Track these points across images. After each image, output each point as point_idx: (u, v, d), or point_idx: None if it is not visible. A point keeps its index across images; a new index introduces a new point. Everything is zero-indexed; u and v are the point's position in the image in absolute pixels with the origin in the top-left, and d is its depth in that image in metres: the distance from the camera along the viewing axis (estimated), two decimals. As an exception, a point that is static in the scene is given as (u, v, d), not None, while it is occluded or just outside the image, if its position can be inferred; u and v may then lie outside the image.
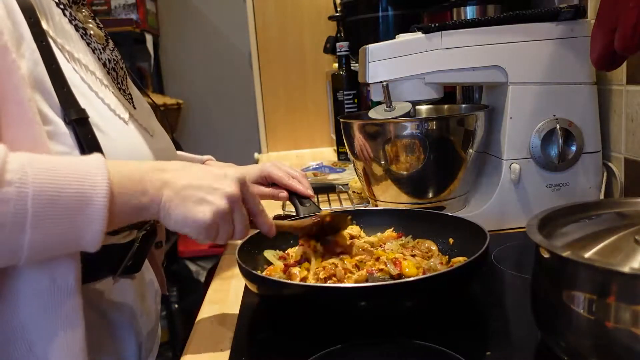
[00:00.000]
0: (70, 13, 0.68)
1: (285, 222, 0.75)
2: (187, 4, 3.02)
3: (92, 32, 0.72)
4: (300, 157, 2.12)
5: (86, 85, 0.65)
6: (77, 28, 0.68)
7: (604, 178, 0.98)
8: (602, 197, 0.97)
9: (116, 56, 0.76)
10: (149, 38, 2.58)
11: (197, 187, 0.59)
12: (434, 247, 0.79)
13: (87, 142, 0.61)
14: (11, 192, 0.49)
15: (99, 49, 0.71)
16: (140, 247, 0.72)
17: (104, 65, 0.71)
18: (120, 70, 0.75)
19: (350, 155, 1.04)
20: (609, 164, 0.98)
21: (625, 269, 0.44)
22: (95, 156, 0.56)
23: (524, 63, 0.93)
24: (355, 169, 1.06)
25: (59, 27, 0.65)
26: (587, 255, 0.49)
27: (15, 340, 0.58)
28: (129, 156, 0.66)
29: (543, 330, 0.55)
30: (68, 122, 0.60)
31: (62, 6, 0.67)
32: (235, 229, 0.61)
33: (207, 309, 0.76)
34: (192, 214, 0.57)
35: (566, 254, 0.48)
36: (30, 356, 0.58)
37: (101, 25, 0.77)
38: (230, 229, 0.60)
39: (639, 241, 0.49)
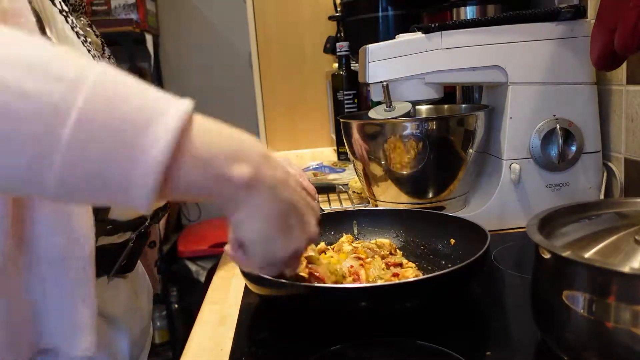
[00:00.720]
0: (72, 20, 0.68)
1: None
2: (187, 4, 3.02)
3: (90, 39, 0.72)
4: (300, 157, 2.12)
5: None
6: (78, 35, 0.68)
7: (604, 178, 0.98)
8: (602, 197, 0.97)
9: (113, 64, 0.75)
10: (149, 38, 2.58)
11: (293, 205, 0.49)
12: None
13: None
14: (61, 87, 0.38)
15: (98, 57, 0.72)
16: (134, 248, 0.72)
17: None
18: None
19: (350, 155, 1.04)
20: (609, 164, 0.98)
21: (625, 269, 0.44)
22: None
23: (524, 63, 0.93)
24: (355, 169, 1.06)
25: (61, 34, 0.65)
26: (587, 255, 0.49)
27: (21, 309, 0.57)
28: None
29: (543, 330, 0.55)
30: None
31: (64, 13, 0.67)
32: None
33: (207, 309, 0.76)
34: (273, 242, 0.48)
35: (566, 254, 0.48)
36: (35, 325, 0.58)
37: (98, 34, 0.77)
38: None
39: (639, 241, 0.49)
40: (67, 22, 0.67)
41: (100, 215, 0.63)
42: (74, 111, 0.38)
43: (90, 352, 0.59)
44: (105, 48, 0.77)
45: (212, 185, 0.43)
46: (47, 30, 0.62)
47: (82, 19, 0.75)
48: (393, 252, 0.80)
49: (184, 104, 0.42)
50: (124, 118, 0.39)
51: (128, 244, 0.71)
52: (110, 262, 0.70)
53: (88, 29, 0.75)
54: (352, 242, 0.82)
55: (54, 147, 0.38)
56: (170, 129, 0.39)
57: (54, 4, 0.65)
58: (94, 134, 0.38)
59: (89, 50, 0.70)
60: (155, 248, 0.89)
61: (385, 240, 0.82)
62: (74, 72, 0.39)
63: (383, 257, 0.78)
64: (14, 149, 0.37)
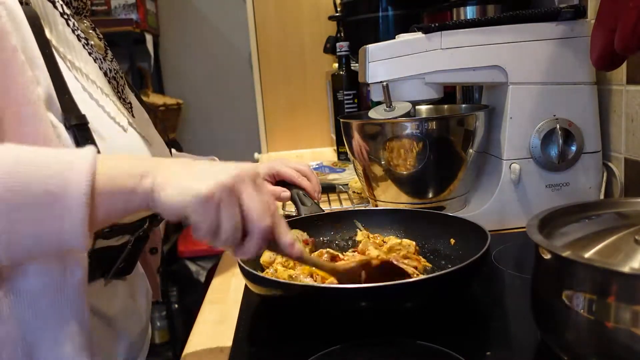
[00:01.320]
0: (74, 23, 0.69)
1: (323, 262, 0.69)
2: (187, 4, 3.02)
3: (92, 42, 0.73)
4: (300, 157, 2.12)
5: (87, 93, 0.66)
6: (79, 38, 0.69)
7: (604, 178, 0.98)
8: (602, 197, 0.97)
9: (116, 66, 0.77)
10: (149, 38, 2.58)
11: (197, 167, 0.53)
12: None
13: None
14: None
15: (100, 59, 0.72)
16: (132, 250, 0.72)
17: (105, 74, 0.72)
18: (120, 79, 0.76)
19: (350, 155, 1.04)
20: (609, 164, 0.98)
21: (625, 269, 0.44)
22: (89, 148, 0.51)
23: (524, 63, 0.93)
24: (355, 169, 1.06)
25: (62, 36, 0.66)
26: (587, 255, 0.49)
27: (15, 340, 0.57)
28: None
29: (543, 330, 0.55)
30: (68, 127, 0.61)
31: (65, 16, 0.67)
32: (248, 216, 0.51)
33: (207, 309, 0.76)
34: (189, 185, 0.50)
35: (566, 254, 0.48)
36: (29, 356, 0.58)
37: (101, 36, 0.78)
38: (237, 216, 0.50)
39: (639, 241, 0.49)
40: (68, 25, 0.67)
41: None
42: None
43: None
44: (108, 51, 0.78)
45: (127, 204, 0.51)
46: (47, 32, 0.63)
47: (85, 22, 0.76)
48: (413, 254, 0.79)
49: (85, 160, 0.49)
50: (38, 197, 0.47)
51: (126, 247, 0.71)
52: (107, 265, 0.70)
53: (91, 31, 0.76)
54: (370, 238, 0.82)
55: None
56: (82, 191, 0.47)
57: (56, 7, 0.66)
58: (19, 216, 0.46)
59: (89, 53, 0.70)
60: (157, 254, 0.89)
61: (410, 241, 0.81)
62: None
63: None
64: None
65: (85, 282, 0.59)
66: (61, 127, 0.60)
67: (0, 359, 0.57)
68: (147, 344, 0.85)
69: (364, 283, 0.67)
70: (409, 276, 0.70)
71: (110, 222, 0.54)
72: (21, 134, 0.56)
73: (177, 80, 2.99)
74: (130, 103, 0.78)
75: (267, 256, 0.79)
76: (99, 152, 0.54)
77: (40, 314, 0.58)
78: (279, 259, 0.77)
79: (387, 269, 0.69)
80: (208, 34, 3.04)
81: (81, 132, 0.61)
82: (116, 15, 2.49)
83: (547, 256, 0.51)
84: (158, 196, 0.50)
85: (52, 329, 0.58)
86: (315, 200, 0.95)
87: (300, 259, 0.58)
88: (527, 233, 0.53)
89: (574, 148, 0.94)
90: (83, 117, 0.62)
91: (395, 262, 0.71)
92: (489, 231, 0.71)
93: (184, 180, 0.50)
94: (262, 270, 0.77)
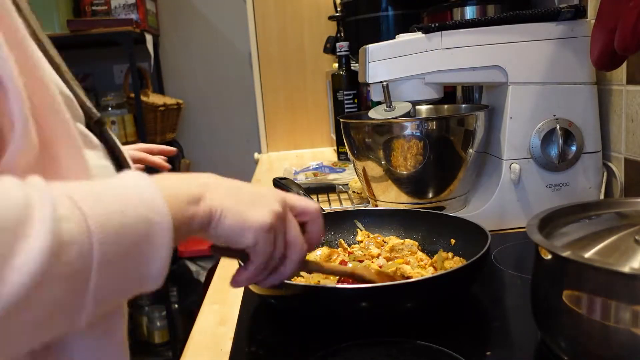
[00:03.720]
0: None
1: (332, 265, 0.71)
2: (187, 4, 3.02)
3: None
4: (300, 157, 2.12)
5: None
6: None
7: (604, 178, 0.98)
8: (602, 197, 0.97)
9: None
10: (149, 38, 2.58)
11: (245, 191, 0.52)
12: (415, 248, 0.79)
13: (106, 142, 0.55)
14: (72, 230, 0.35)
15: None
16: None
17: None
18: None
19: (350, 155, 1.04)
20: (609, 164, 0.98)
21: (625, 269, 0.44)
22: (134, 173, 0.45)
23: (524, 63, 0.93)
24: (355, 169, 1.06)
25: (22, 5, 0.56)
26: (587, 255, 0.49)
27: None
28: None
29: (543, 330, 0.55)
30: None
31: None
32: (291, 243, 0.53)
33: (207, 309, 0.76)
34: (251, 215, 0.49)
35: (566, 254, 0.48)
36: None
37: None
38: (284, 239, 0.52)
39: (639, 241, 0.49)
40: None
41: None
42: (94, 260, 0.37)
43: None
44: None
45: (188, 231, 0.46)
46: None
47: None
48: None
49: (154, 192, 0.43)
50: (129, 244, 0.40)
51: None
52: None
53: None
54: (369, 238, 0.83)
55: (83, 303, 0.37)
56: (166, 230, 0.42)
57: None
58: (113, 267, 0.38)
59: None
60: None
61: (412, 241, 0.81)
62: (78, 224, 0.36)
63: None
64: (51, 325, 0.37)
65: (127, 348, 0.51)
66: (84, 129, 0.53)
67: None
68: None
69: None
70: None
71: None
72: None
73: (177, 80, 2.99)
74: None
75: (312, 259, 0.78)
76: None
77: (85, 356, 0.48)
78: None
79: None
80: (208, 34, 3.04)
81: (99, 128, 0.55)
82: (116, 15, 2.49)
83: (547, 256, 0.51)
84: (221, 225, 0.48)
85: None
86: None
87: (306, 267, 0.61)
88: (527, 233, 0.53)
89: (574, 148, 0.94)
90: (95, 113, 0.57)
91: (408, 271, 0.71)
92: (490, 231, 0.71)
93: (242, 208, 0.49)
94: None
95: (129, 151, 0.94)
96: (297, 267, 0.54)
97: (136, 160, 0.95)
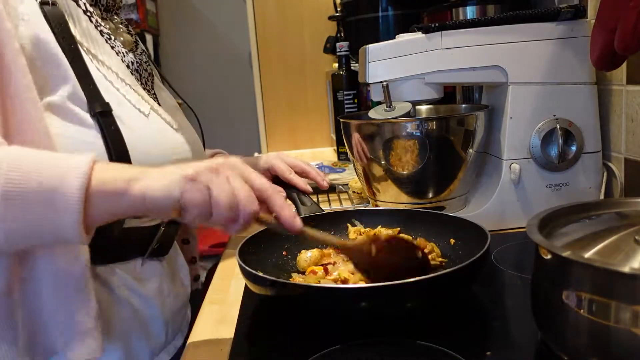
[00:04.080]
0: (97, 20, 0.77)
1: (332, 237, 0.70)
2: (187, 4, 3.02)
3: (122, 37, 0.82)
4: (300, 157, 2.11)
5: (109, 82, 0.73)
6: (102, 33, 0.76)
7: (604, 178, 0.98)
8: (602, 197, 0.97)
9: (140, 59, 0.84)
10: (149, 38, 2.58)
11: (184, 164, 0.57)
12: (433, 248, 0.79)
13: (111, 133, 0.68)
14: None
15: (123, 52, 0.79)
16: (166, 232, 0.78)
17: (127, 66, 0.79)
18: (144, 72, 0.84)
19: (350, 155, 1.04)
20: (609, 164, 0.98)
21: (625, 269, 0.44)
22: (91, 155, 0.55)
23: (524, 63, 0.93)
24: (355, 169, 1.06)
25: (86, 32, 0.73)
26: (587, 255, 0.49)
27: (33, 321, 0.62)
28: (151, 146, 0.72)
29: (543, 330, 0.55)
30: (93, 114, 0.67)
31: (88, 13, 0.75)
32: (236, 189, 0.54)
33: (207, 309, 0.76)
34: (175, 174, 0.54)
35: (566, 254, 0.48)
36: (46, 335, 0.63)
37: (132, 32, 0.87)
38: (229, 191, 0.54)
39: (639, 241, 0.49)
40: (91, 21, 0.75)
41: None
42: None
43: (95, 356, 0.64)
44: (139, 44, 0.86)
45: (119, 205, 0.55)
46: (72, 27, 0.70)
47: (115, 18, 0.84)
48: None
49: (83, 162, 0.54)
50: (39, 187, 0.52)
51: (159, 229, 0.77)
52: (142, 245, 0.77)
53: (121, 26, 0.85)
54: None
55: None
56: (76, 188, 0.52)
57: (79, 6, 0.74)
58: (21, 205, 0.52)
59: (112, 47, 0.77)
60: (190, 245, 0.97)
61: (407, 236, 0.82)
62: None
63: None
64: None
65: (88, 271, 0.64)
66: (86, 117, 0.67)
67: (26, 336, 0.62)
68: (186, 327, 0.91)
69: (376, 257, 0.67)
70: (419, 249, 0.70)
71: (104, 221, 0.57)
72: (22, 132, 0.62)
73: (177, 80, 3.00)
74: (155, 93, 0.85)
75: (303, 261, 0.78)
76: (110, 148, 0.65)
77: (49, 299, 0.63)
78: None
79: (396, 244, 0.69)
80: (208, 34, 3.04)
81: (104, 119, 0.68)
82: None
83: (547, 256, 0.51)
84: (149, 196, 0.54)
85: (59, 312, 0.63)
86: (325, 186, 0.97)
87: (303, 233, 0.61)
88: (527, 233, 0.53)
89: (574, 148, 0.94)
90: (107, 104, 0.69)
91: (403, 236, 0.71)
92: (490, 231, 0.71)
93: (170, 174, 0.55)
94: (302, 273, 0.76)
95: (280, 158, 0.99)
96: (248, 224, 0.56)
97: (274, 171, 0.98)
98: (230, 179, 0.55)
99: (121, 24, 0.85)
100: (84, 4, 0.75)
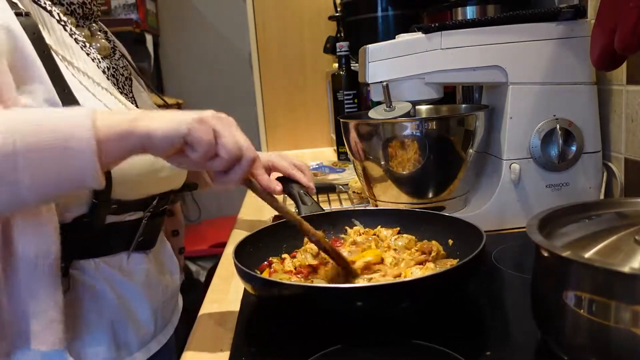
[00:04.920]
0: (71, 28, 0.78)
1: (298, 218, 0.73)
2: (187, 4, 3.02)
3: (98, 44, 0.84)
4: (300, 157, 2.11)
5: (83, 87, 0.74)
6: (76, 41, 0.78)
7: (604, 178, 0.98)
8: (602, 197, 0.97)
9: (116, 64, 0.86)
10: (149, 38, 2.58)
11: (180, 112, 0.61)
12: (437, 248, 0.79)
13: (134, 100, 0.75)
14: None
15: (98, 59, 0.81)
16: (149, 226, 0.80)
17: (103, 72, 0.81)
18: (120, 76, 0.86)
19: (350, 155, 1.04)
20: (609, 164, 0.98)
21: (625, 269, 0.44)
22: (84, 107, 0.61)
23: (524, 63, 0.93)
24: (355, 169, 1.06)
25: (60, 40, 0.75)
26: (587, 255, 0.49)
27: (14, 308, 0.65)
28: None
29: (543, 330, 0.55)
30: None
31: (62, 23, 0.77)
32: (239, 136, 0.60)
33: (207, 309, 0.76)
34: (181, 115, 0.59)
35: (566, 254, 0.48)
36: (21, 322, 0.66)
37: (111, 38, 0.90)
38: (235, 137, 0.60)
39: (639, 241, 0.49)
40: (66, 30, 0.77)
41: (102, 196, 0.71)
42: (16, 149, 0.54)
43: (58, 346, 0.67)
44: (117, 50, 0.88)
45: (126, 144, 0.58)
46: (45, 36, 0.72)
47: (94, 25, 0.86)
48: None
49: (86, 111, 0.58)
50: (54, 137, 0.55)
51: (142, 222, 0.79)
52: (127, 239, 0.79)
53: (99, 33, 0.87)
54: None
55: (17, 178, 0.55)
56: (88, 133, 0.56)
57: (52, 16, 0.76)
58: (38, 160, 0.55)
59: (87, 54, 0.79)
60: (178, 237, 1.01)
61: (410, 236, 0.82)
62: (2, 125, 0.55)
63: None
64: None
65: (57, 263, 0.66)
66: None
67: (4, 322, 0.66)
68: (177, 318, 0.94)
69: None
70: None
71: (116, 163, 0.61)
72: None
73: (177, 80, 2.99)
74: (133, 97, 0.88)
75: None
76: None
77: (22, 288, 0.65)
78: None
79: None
80: (208, 34, 3.04)
81: None
82: (116, 15, 2.49)
83: (547, 256, 0.51)
84: (154, 131, 0.58)
85: (29, 301, 0.65)
86: (313, 195, 0.97)
87: (278, 207, 0.69)
88: (527, 233, 0.53)
89: (574, 148, 0.94)
90: (69, 89, 0.70)
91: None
92: (489, 231, 0.71)
93: (176, 115, 0.59)
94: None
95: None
96: (246, 172, 0.61)
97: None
98: (232, 128, 0.60)
99: (100, 31, 0.87)
100: (57, 14, 0.77)
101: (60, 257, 0.67)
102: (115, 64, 0.85)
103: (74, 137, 0.56)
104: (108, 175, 0.70)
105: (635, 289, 0.44)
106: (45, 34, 0.72)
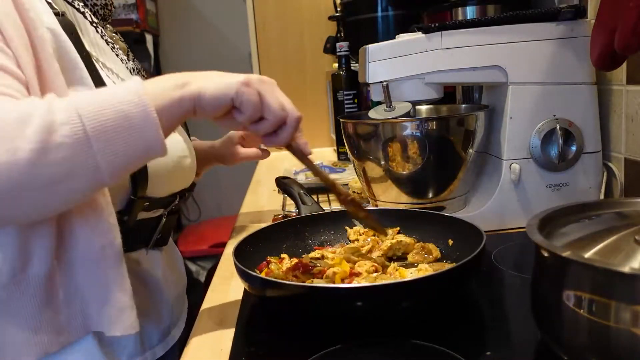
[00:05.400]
0: (101, 30, 0.80)
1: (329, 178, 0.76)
2: (187, 4, 3.02)
3: (118, 45, 0.85)
4: (300, 157, 2.12)
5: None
6: (107, 42, 0.80)
7: (604, 178, 0.98)
8: (602, 197, 0.97)
9: (138, 65, 0.88)
10: (149, 38, 2.58)
11: (221, 73, 0.64)
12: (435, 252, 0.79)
13: None
14: (68, 130, 0.54)
15: (125, 59, 0.84)
16: (167, 222, 0.83)
17: (130, 72, 0.83)
18: (142, 77, 0.87)
19: (350, 155, 1.04)
20: (609, 164, 0.98)
21: (625, 269, 0.44)
22: (131, 80, 0.61)
23: (524, 63, 0.93)
24: (355, 169, 1.06)
25: (94, 41, 0.77)
26: (587, 255, 0.49)
27: (72, 300, 0.67)
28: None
29: (543, 330, 0.55)
30: None
31: (94, 24, 0.79)
32: (284, 105, 0.63)
33: (207, 309, 0.76)
34: (227, 78, 0.62)
35: (566, 254, 0.48)
36: (84, 314, 0.68)
37: (123, 39, 0.91)
38: (279, 98, 0.63)
39: (639, 241, 0.49)
40: (97, 31, 0.79)
41: (139, 192, 0.74)
42: (88, 135, 0.55)
43: (132, 330, 0.68)
44: (129, 51, 0.89)
45: (180, 110, 0.60)
46: (81, 38, 0.72)
47: (108, 26, 0.87)
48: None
49: (135, 86, 0.59)
50: (116, 115, 0.56)
51: (162, 219, 0.82)
52: (147, 236, 0.81)
53: (114, 34, 0.88)
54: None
55: (96, 163, 0.56)
56: (143, 108, 0.57)
57: (85, 17, 0.77)
58: (108, 141, 0.56)
59: (117, 55, 0.81)
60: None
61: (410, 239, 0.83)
62: (65, 115, 0.55)
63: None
64: (75, 178, 0.56)
65: (123, 255, 0.68)
66: None
67: (66, 310, 0.67)
68: (186, 311, 0.96)
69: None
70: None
71: (173, 129, 0.63)
72: None
73: (177, 80, 2.99)
74: None
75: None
76: None
77: (88, 279, 0.66)
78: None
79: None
80: (208, 34, 3.04)
81: None
82: (116, 15, 2.49)
83: (547, 256, 0.51)
84: (204, 94, 0.60)
85: (98, 291, 0.67)
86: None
87: (312, 168, 0.72)
88: (527, 233, 0.53)
89: (574, 148, 0.94)
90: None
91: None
92: (489, 231, 0.71)
93: (221, 79, 0.62)
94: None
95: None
96: (294, 131, 0.65)
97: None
98: (276, 91, 0.64)
99: (114, 32, 0.89)
100: (90, 15, 0.78)
101: (122, 248, 0.68)
102: (138, 66, 0.88)
103: (134, 112, 0.57)
104: (144, 172, 0.73)
105: (635, 289, 0.44)
106: (80, 34, 0.72)
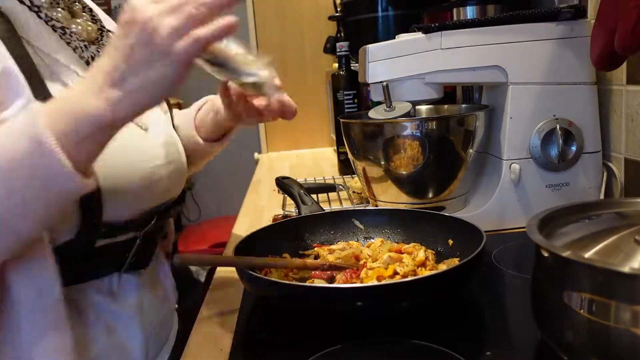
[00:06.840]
0: (46, 14, 0.68)
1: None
2: (187, 4, 3.02)
3: (80, 27, 0.72)
4: (300, 157, 2.12)
5: (64, 82, 0.66)
6: (54, 28, 0.68)
7: (604, 178, 0.98)
8: (602, 197, 0.97)
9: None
10: (149, 38, 2.58)
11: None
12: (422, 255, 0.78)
13: None
14: None
15: (81, 47, 0.71)
16: (142, 246, 0.73)
17: (87, 63, 0.70)
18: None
19: (350, 155, 1.04)
20: (609, 164, 0.98)
21: (625, 269, 0.44)
22: (25, 113, 0.54)
23: (524, 63, 0.93)
24: (355, 169, 1.06)
25: (33, 31, 0.65)
26: (587, 255, 0.49)
27: (5, 344, 0.59)
28: (117, 151, 0.61)
29: (543, 330, 0.55)
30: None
31: (35, 9, 0.67)
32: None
33: (207, 309, 0.76)
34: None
35: (566, 254, 0.48)
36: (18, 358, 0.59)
37: (97, 18, 0.77)
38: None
39: (639, 241, 0.49)
40: (40, 17, 0.67)
41: (91, 220, 0.64)
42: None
43: None
44: (106, 32, 0.77)
45: (89, 127, 0.52)
46: (18, 30, 0.63)
47: (77, 4, 0.75)
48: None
49: (34, 111, 0.52)
50: (17, 161, 0.51)
51: (135, 242, 0.71)
52: (118, 260, 0.71)
53: (84, 13, 0.75)
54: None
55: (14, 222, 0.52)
56: (49, 139, 0.50)
57: (23, 2, 0.66)
58: (15, 184, 0.51)
59: (68, 43, 0.69)
60: (168, 239, 0.92)
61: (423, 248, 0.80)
62: None
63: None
64: None
65: (62, 297, 0.60)
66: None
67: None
68: (174, 335, 0.87)
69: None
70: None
71: (97, 153, 0.55)
72: None
73: (177, 80, 2.99)
74: None
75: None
76: None
77: (23, 324, 0.58)
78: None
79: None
80: (208, 34, 3.03)
81: None
82: (116, 15, 2.49)
83: (547, 256, 0.51)
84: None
85: (32, 336, 0.59)
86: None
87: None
88: (527, 233, 0.52)
89: (574, 148, 0.94)
90: (50, 96, 0.61)
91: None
92: (489, 231, 0.71)
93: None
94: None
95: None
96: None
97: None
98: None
99: (84, 8, 0.76)
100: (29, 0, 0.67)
101: (62, 289, 0.60)
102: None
103: (36, 149, 0.50)
104: (98, 196, 0.63)
105: (635, 289, 0.44)
106: (17, 28, 0.63)
